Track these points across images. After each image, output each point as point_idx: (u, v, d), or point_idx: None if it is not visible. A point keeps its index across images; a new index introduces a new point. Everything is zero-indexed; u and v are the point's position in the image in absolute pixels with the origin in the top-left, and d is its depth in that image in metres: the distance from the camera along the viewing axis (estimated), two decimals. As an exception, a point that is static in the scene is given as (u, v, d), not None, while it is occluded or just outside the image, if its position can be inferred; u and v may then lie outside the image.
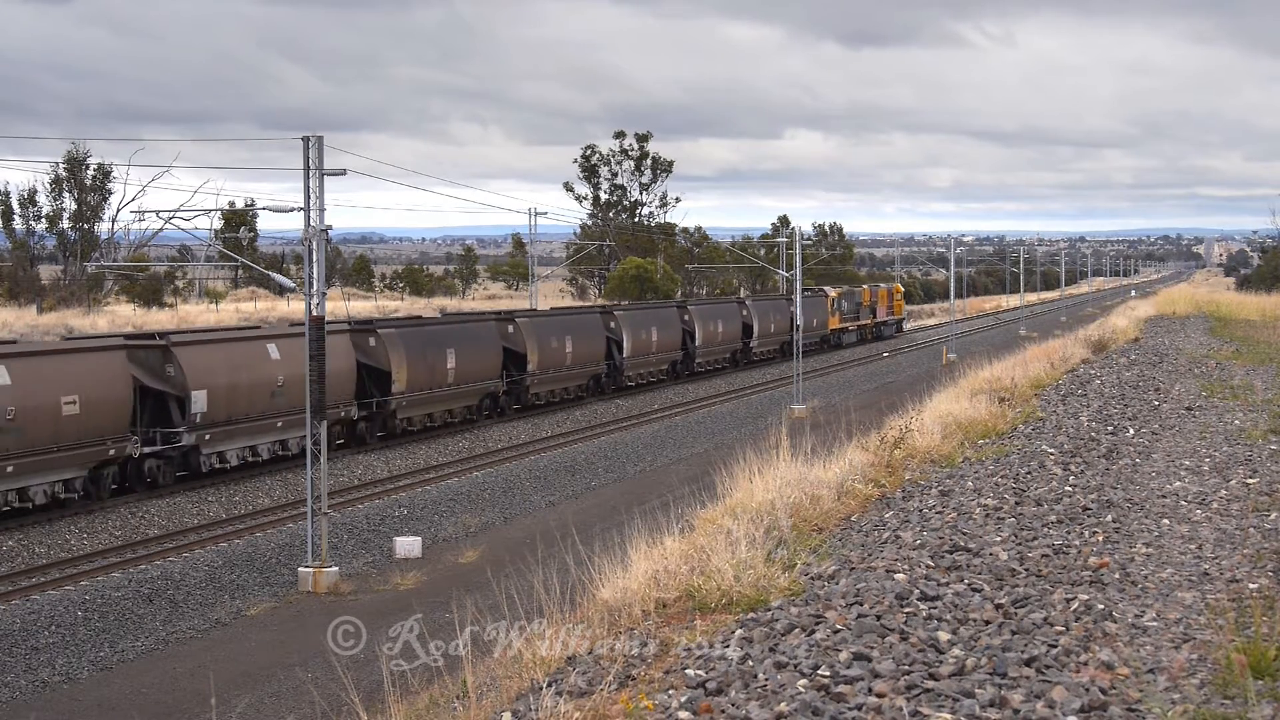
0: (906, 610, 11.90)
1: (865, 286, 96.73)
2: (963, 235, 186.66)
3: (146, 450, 33.03)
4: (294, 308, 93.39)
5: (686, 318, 63.98)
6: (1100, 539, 15.90)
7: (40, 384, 29.80)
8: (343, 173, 27.70)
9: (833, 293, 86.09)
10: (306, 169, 26.04)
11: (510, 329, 49.13)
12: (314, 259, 26.24)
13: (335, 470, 36.86)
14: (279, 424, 36.58)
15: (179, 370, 33.85)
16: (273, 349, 36.81)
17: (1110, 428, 27.29)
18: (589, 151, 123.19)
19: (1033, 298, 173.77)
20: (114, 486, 32.50)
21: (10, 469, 29.04)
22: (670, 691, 10.34)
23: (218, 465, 35.10)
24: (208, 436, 34.50)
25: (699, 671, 10.68)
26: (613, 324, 56.43)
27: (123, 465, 32.61)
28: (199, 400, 34.03)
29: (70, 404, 30.23)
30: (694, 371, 64.63)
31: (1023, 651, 10.54)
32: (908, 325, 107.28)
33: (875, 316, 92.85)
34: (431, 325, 46.36)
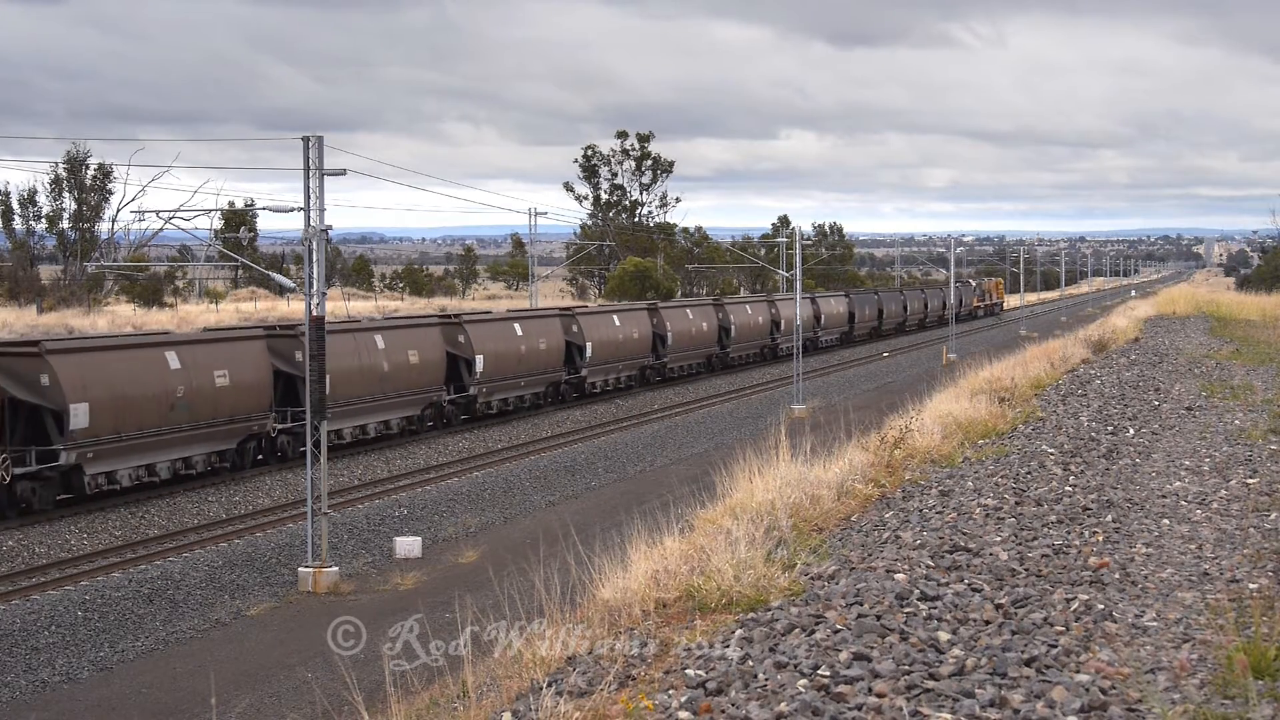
0: (906, 610, 11.90)
1: (986, 280, 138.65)
2: (962, 235, 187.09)
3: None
4: (294, 308, 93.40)
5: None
6: (1100, 539, 15.90)
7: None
8: (343, 173, 27.69)
9: (973, 284, 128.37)
10: (306, 169, 26.02)
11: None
12: (314, 259, 26.23)
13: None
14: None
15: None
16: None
17: (1110, 428, 27.29)
18: (589, 152, 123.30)
19: (1033, 298, 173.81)
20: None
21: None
22: (670, 691, 10.35)
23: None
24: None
25: (699, 671, 10.68)
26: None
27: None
28: (77, 415, 34.64)
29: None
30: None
31: (1023, 651, 10.54)
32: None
33: (990, 299, 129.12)
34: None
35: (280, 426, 37.40)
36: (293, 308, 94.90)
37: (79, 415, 30.62)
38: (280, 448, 37.69)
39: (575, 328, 53.63)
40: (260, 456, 37.11)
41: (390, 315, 51.90)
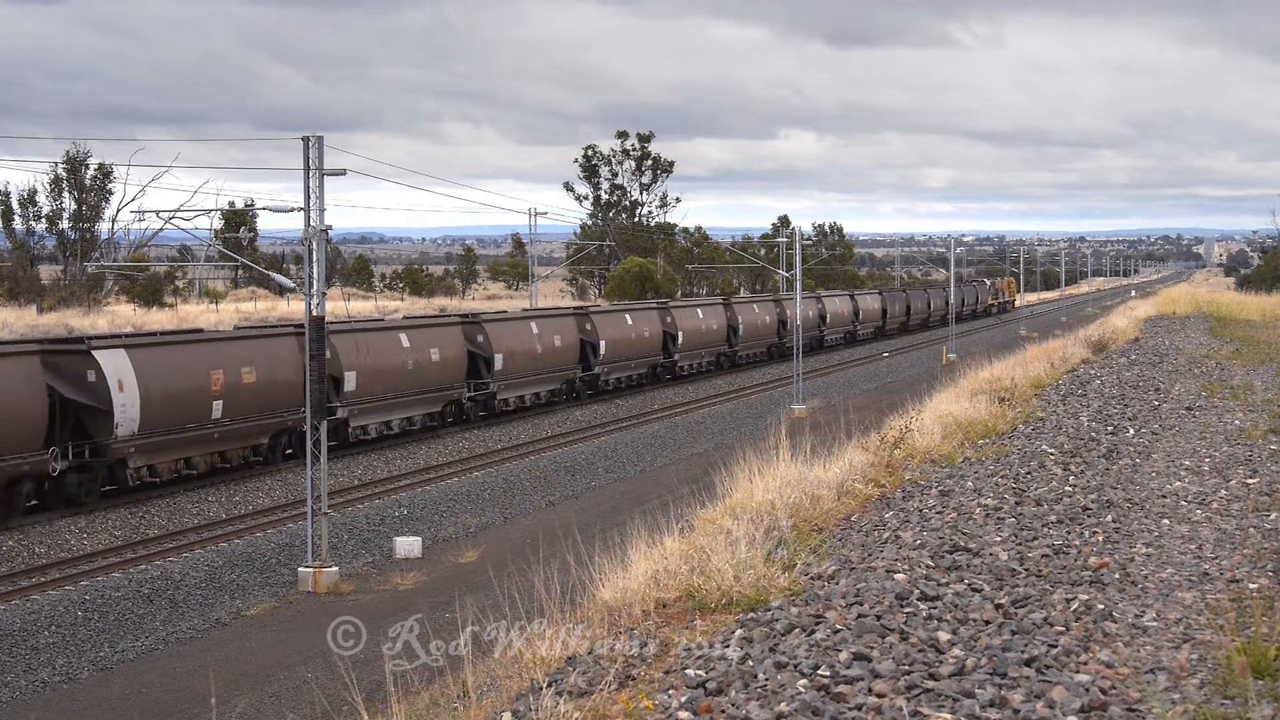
0: (906, 610, 11.90)
1: (999, 279, 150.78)
2: (962, 235, 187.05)
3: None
4: (294, 308, 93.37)
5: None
6: (1100, 539, 15.90)
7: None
8: (343, 173, 27.67)
9: (988, 283, 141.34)
10: (307, 169, 26.01)
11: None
12: (314, 259, 26.23)
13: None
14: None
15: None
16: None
17: (1110, 428, 27.29)
18: (589, 151, 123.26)
19: (1033, 298, 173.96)
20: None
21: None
22: (670, 691, 10.35)
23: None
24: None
25: (699, 671, 10.68)
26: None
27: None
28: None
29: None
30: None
31: (1023, 651, 10.54)
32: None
33: (1003, 297, 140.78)
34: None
35: (468, 395, 46.41)
36: (293, 307, 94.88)
37: (350, 380, 39.41)
38: (466, 412, 46.87)
39: (669, 319, 63.10)
40: (450, 420, 45.84)
41: (529, 309, 62.95)
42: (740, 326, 69.95)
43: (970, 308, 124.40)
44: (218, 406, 34.23)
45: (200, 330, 42.03)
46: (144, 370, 32.07)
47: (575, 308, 58.84)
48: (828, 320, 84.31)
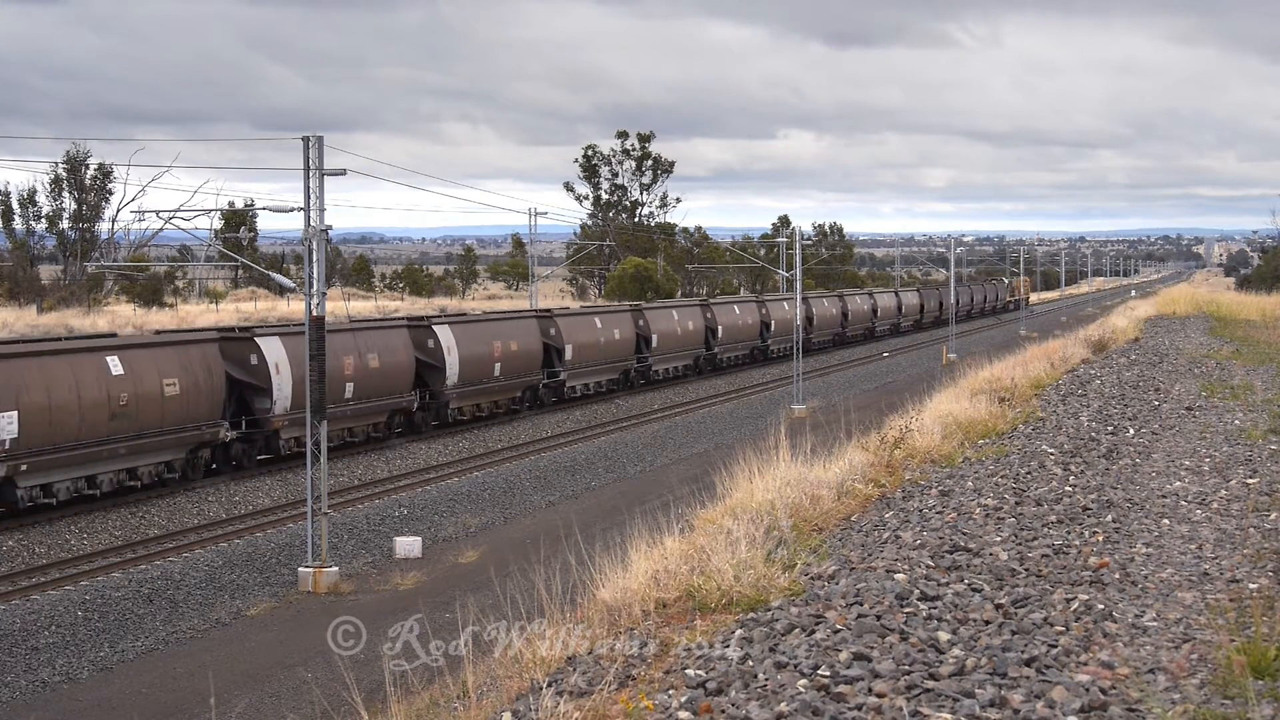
0: (906, 610, 11.90)
1: (1014, 279, 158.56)
2: (961, 235, 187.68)
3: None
4: (294, 308, 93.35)
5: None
6: (1100, 539, 15.89)
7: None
8: (343, 173, 27.66)
9: (1006, 281, 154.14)
10: (307, 169, 26.01)
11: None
12: (314, 259, 26.22)
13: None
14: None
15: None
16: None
17: (1110, 428, 27.28)
18: (589, 151, 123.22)
19: (1033, 298, 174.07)
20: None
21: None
22: (670, 691, 10.35)
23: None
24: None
25: (699, 671, 10.68)
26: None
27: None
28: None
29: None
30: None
31: (1023, 651, 10.54)
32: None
33: (1017, 295, 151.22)
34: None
35: (635, 367, 58.89)
36: (293, 307, 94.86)
37: (569, 351, 52.88)
38: (633, 380, 59.28)
39: (764, 310, 74.47)
40: (630, 384, 58.90)
41: (663, 300, 78.10)
42: (814, 317, 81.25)
43: (992, 304, 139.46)
44: (498, 367, 48.17)
45: (487, 312, 60.89)
46: (570, 333, 52.87)
47: (700, 300, 74.37)
48: (879, 313, 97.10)
